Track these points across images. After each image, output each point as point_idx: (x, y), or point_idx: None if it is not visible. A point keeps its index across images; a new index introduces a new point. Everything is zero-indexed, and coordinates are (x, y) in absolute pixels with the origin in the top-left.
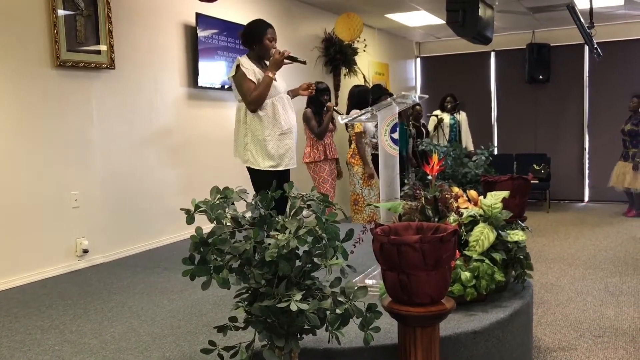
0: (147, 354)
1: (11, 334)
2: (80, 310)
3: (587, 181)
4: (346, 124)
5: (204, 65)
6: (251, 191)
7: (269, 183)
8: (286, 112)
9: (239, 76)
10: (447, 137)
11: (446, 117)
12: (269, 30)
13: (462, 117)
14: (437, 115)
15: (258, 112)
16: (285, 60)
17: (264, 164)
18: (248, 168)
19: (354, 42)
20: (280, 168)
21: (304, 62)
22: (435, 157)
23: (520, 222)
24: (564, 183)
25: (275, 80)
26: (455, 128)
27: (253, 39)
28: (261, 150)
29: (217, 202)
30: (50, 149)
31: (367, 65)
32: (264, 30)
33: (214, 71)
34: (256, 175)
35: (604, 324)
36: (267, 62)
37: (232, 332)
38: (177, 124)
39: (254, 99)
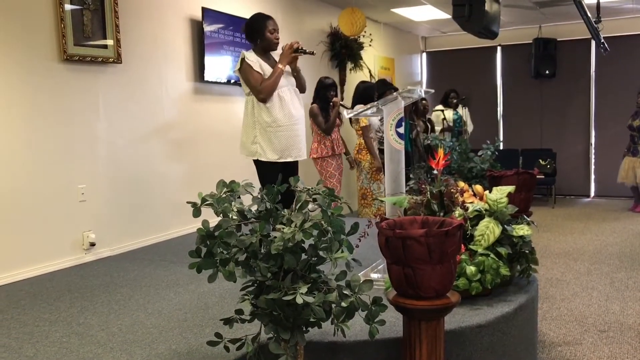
0: (154, 347)
1: (19, 325)
2: (87, 303)
3: (593, 176)
4: (350, 119)
5: (210, 60)
6: (258, 185)
7: (276, 176)
8: (293, 103)
9: (244, 69)
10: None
11: (449, 113)
12: (269, 22)
13: (465, 113)
14: (442, 110)
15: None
16: (295, 54)
17: (272, 156)
18: (256, 161)
19: (358, 37)
20: (287, 160)
21: (312, 53)
22: (441, 152)
23: (525, 216)
24: (570, 178)
25: (284, 69)
26: (458, 123)
27: (255, 33)
28: (268, 142)
29: (224, 195)
30: (57, 143)
31: (373, 59)
32: (264, 23)
33: (220, 66)
34: (264, 168)
35: (610, 319)
36: (273, 54)
37: (238, 325)
38: (183, 119)
39: (264, 88)
